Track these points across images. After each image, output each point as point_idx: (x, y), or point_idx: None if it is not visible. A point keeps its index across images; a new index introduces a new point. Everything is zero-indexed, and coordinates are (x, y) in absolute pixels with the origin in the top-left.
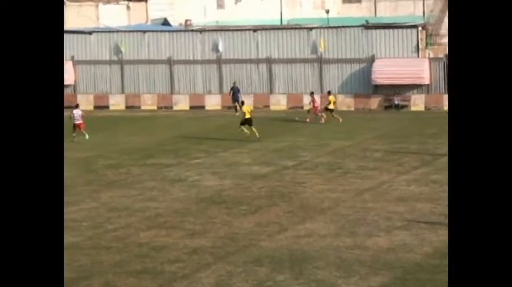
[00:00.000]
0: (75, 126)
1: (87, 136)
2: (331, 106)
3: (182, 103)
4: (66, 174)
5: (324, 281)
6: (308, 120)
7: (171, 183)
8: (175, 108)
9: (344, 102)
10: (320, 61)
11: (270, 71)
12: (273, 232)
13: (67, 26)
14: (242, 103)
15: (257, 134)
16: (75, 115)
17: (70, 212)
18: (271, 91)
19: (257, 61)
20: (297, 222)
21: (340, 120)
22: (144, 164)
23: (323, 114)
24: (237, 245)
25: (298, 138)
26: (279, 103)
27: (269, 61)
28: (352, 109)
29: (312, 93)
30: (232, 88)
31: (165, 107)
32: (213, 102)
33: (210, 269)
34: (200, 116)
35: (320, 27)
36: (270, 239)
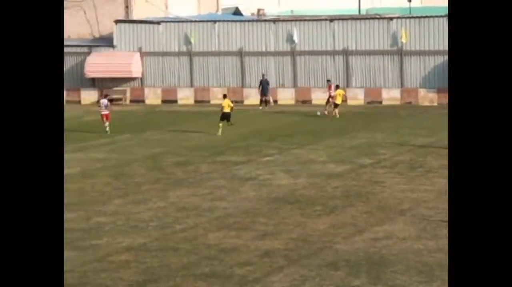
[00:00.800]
0: (102, 117)
1: (108, 129)
2: (338, 101)
3: (253, 97)
4: (134, 171)
5: (403, 286)
6: (326, 112)
7: (241, 181)
8: (245, 102)
9: (427, 97)
10: (401, 53)
11: (347, 63)
12: (349, 234)
13: (135, 15)
14: (224, 96)
15: (220, 132)
16: (101, 104)
17: (137, 212)
18: (347, 85)
19: (333, 53)
20: (375, 224)
21: (338, 116)
22: (213, 162)
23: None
24: (311, 247)
25: (376, 135)
26: (356, 97)
27: (346, 53)
28: (435, 104)
29: (328, 81)
30: (261, 81)
31: (236, 101)
32: (286, 96)
33: (283, 272)
34: (272, 110)
35: (402, 17)
36: (346, 241)
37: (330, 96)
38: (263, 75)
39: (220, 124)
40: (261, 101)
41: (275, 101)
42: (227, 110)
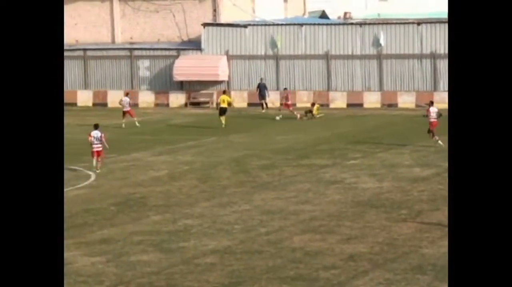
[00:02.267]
0: (124, 113)
1: (137, 124)
2: (315, 112)
3: (339, 101)
4: (220, 174)
5: None
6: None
7: (327, 185)
8: (331, 105)
9: None
10: None
11: (434, 67)
12: (435, 238)
13: (223, 19)
14: (224, 92)
15: (223, 124)
16: (124, 102)
17: (223, 215)
18: (435, 89)
19: (421, 57)
20: None
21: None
22: (298, 165)
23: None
24: (397, 251)
25: None
26: (443, 101)
27: (433, 56)
28: None
29: (285, 89)
30: (259, 85)
31: (321, 105)
32: (372, 100)
33: (368, 276)
34: (358, 114)
35: None
36: (432, 245)
37: (285, 104)
38: (261, 79)
39: (221, 118)
40: (261, 105)
41: (361, 105)
42: (224, 105)
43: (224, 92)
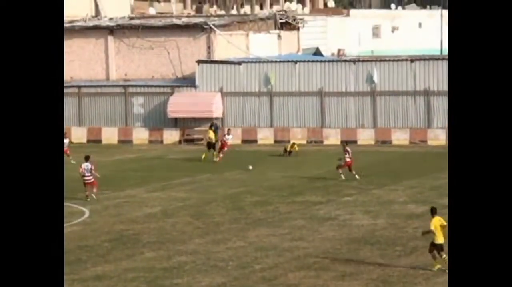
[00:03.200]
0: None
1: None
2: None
3: (333, 137)
4: (214, 211)
5: None
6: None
7: (321, 221)
8: (325, 142)
9: None
10: None
11: (428, 104)
12: (430, 275)
13: (217, 55)
14: (210, 127)
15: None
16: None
17: (217, 251)
18: (428, 125)
19: (414, 93)
20: None
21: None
22: (292, 202)
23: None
24: None
25: None
26: (437, 138)
27: (427, 93)
28: None
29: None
30: (211, 125)
31: (315, 141)
32: (366, 137)
33: None
34: (352, 151)
35: None
36: (427, 282)
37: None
38: (212, 121)
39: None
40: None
41: (355, 141)
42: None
43: (210, 127)
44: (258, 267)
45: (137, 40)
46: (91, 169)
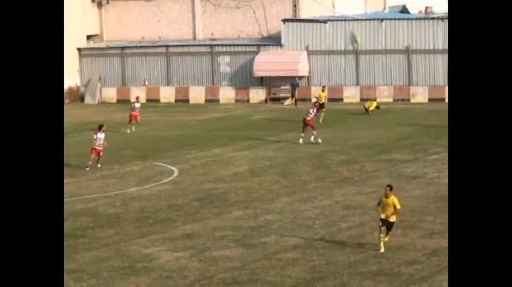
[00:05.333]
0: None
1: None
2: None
3: (420, 96)
4: (301, 169)
5: None
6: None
7: (408, 180)
8: (412, 100)
9: None
10: None
11: None
12: None
13: (303, 14)
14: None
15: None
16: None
17: (303, 210)
18: None
19: None
20: None
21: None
22: (379, 160)
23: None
24: None
25: None
26: None
27: None
28: None
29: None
30: (292, 84)
31: (402, 100)
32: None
33: None
34: (440, 109)
35: None
36: None
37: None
38: (296, 78)
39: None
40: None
41: (443, 99)
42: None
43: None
44: (345, 226)
45: (223, 0)
46: (103, 139)
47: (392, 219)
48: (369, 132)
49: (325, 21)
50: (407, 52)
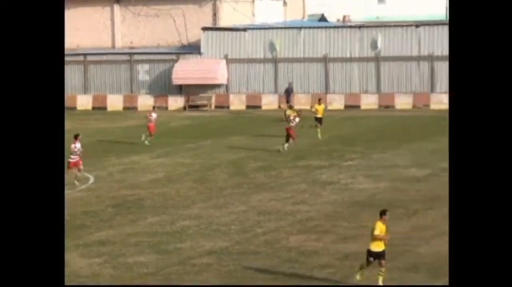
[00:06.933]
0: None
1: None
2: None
3: (336, 103)
4: (217, 176)
5: None
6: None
7: (323, 185)
8: (329, 107)
9: None
10: None
11: (432, 69)
12: (430, 237)
13: (222, 23)
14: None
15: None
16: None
17: (219, 216)
18: (432, 90)
19: (418, 59)
20: None
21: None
22: (295, 166)
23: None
24: (392, 250)
25: None
26: (441, 101)
27: (431, 58)
28: None
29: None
30: (287, 90)
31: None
32: (369, 101)
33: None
34: (356, 116)
35: None
36: (428, 244)
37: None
38: (289, 83)
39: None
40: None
41: (358, 106)
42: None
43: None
44: (260, 231)
45: (142, 8)
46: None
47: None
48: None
49: (244, 29)
50: (325, 60)
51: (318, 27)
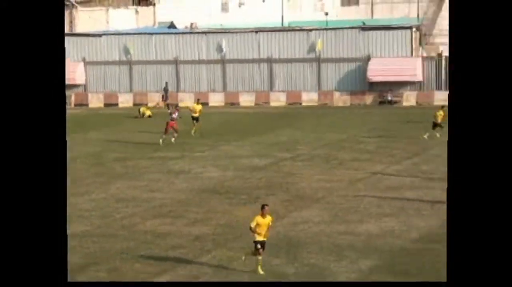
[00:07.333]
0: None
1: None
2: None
3: (187, 100)
4: (79, 167)
5: (317, 265)
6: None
7: (176, 175)
8: (180, 105)
9: (341, 99)
10: (318, 61)
11: (270, 70)
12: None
13: (79, 29)
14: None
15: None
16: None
17: (80, 203)
18: (271, 89)
19: (259, 61)
20: (293, 210)
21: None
22: (151, 157)
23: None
24: (237, 232)
25: (296, 132)
26: (278, 99)
27: (269, 60)
28: (348, 104)
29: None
30: (164, 88)
31: (171, 104)
32: (217, 99)
33: (211, 254)
34: (205, 112)
35: (319, 29)
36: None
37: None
38: (166, 83)
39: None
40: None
41: (207, 104)
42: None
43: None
44: (119, 216)
45: None
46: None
47: (266, 237)
48: (144, 133)
49: (100, 35)
50: (176, 62)
51: (168, 33)
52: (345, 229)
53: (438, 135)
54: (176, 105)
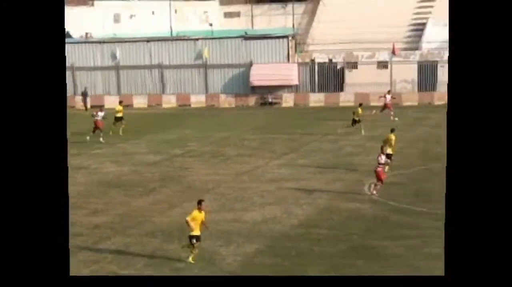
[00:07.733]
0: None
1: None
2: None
3: (79, 103)
4: None
5: (207, 249)
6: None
7: (76, 170)
8: (76, 106)
9: (226, 101)
10: (205, 67)
11: (162, 75)
12: (164, 209)
13: None
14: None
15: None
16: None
17: None
18: (163, 92)
19: (150, 67)
20: (185, 200)
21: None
22: None
23: None
24: (134, 221)
25: (186, 131)
26: (169, 101)
27: (160, 67)
28: (233, 106)
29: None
30: (83, 93)
31: (71, 107)
32: (112, 101)
33: (110, 241)
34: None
35: (205, 38)
36: (162, 215)
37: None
38: (85, 88)
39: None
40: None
41: (103, 105)
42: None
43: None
44: None
45: None
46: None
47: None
48: None
49: None
50: (72, 69)
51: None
52: (233, 217)
53: (363, 132)
54: (101, 106)
